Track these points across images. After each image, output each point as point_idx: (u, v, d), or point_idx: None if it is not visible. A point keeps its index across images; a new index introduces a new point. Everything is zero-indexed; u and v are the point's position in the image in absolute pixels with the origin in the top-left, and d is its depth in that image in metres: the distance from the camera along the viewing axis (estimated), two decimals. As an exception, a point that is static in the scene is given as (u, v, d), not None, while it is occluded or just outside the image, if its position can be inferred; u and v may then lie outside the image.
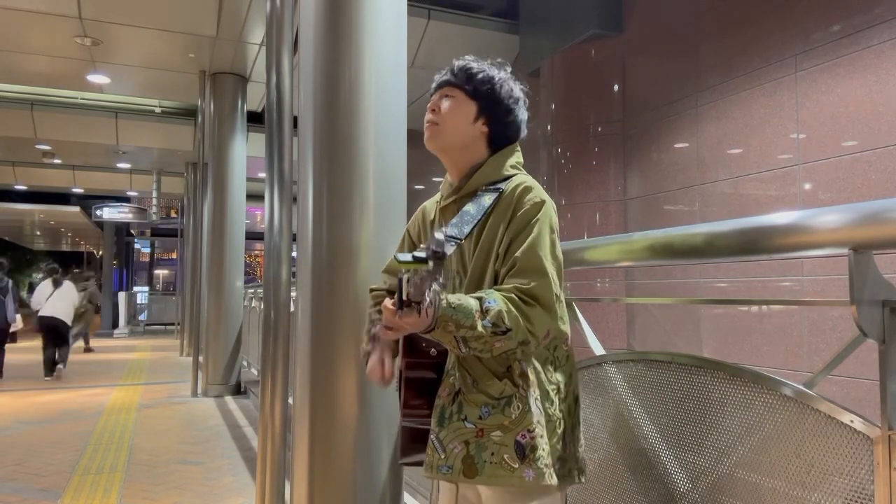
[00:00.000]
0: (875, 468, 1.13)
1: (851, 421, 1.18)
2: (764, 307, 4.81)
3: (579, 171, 6.43)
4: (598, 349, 1.91)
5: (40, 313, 8.92)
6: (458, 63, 1.53)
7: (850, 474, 1.17)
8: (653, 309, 5.83)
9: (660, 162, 5.85)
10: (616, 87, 6.28)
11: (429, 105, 1.53)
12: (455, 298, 1.26)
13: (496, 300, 1.29)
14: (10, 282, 8.68)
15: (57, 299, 9.05)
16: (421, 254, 1.15)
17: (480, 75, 1.50)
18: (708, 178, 5.33)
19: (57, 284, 9.21)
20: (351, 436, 2.27)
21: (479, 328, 1.25)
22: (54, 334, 8.88)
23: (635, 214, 6.09)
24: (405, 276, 1.15)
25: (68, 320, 9.11)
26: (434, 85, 1.55)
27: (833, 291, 4.18)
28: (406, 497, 2.55)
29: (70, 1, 6.01)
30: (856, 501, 1.16)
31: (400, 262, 1.13)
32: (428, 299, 1.17)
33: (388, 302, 1.22)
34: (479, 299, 1.29)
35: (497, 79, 1.51)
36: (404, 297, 1.15)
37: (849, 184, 4.25)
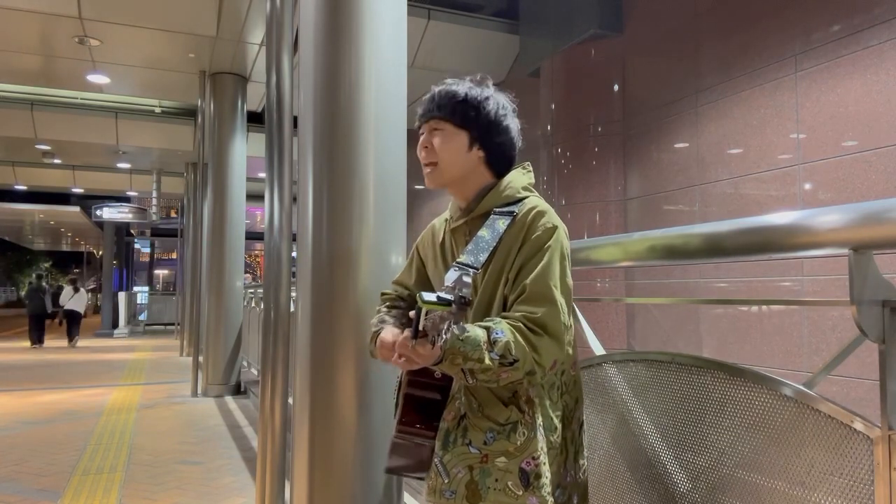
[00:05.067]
0: (875, 468, 1.13)
1: (851, 421, 1.18)
2: (764, 307, 4.81)
3: (579, 171, 6.43)
4: (598, 349, 1.91)
5: (66, 307, 14.98)
6: (437, 89, 1.48)
7: (850, 474, 1.17)
8: (653, 309, 5.83)
9: (660, 162, 5.85)
10: (616, 87, 6.28)
11: (420, 142, 1.50)
12: (463, 330, 1.25)
13: (504, 331, 1.27)
14: (47, 285, 16.18)
15: (76, 299, 15.06)
16: (446, 296, 1.16)
17: (464, 101, 1.45)
18: (708, 178, 5.32)
19: (76, 290, 15.16)
20: (351, 436, 2.27)
21: (487, 360, 1.24)
22: (74, 320, 14.88)
23: (635, 214, 6.09)
24: (424, 309, 1.15)
25: (82, 311, 15.28)
26: (419, 115, 1.51)
27: (833, 291, 4.18)
28: (406, 497, 2.55)
29: (70, 1, 6.01)
30: (856, 501, 1.16)
31: (425, 302, 1.14)
32: (444, 337, 1.17)
33: (406, 332, 1.22)
34: (487, 329, 1.27)
35: (481, 99, 1.46)
36: (420, 329, 1.16)
37: (849, 184, 4.24)
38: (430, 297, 1.14)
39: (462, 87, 1.47)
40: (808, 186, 4.53)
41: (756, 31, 4.94)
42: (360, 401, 2.27)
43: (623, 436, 1.71)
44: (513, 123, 1.51)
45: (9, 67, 8.15)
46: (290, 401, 2.53)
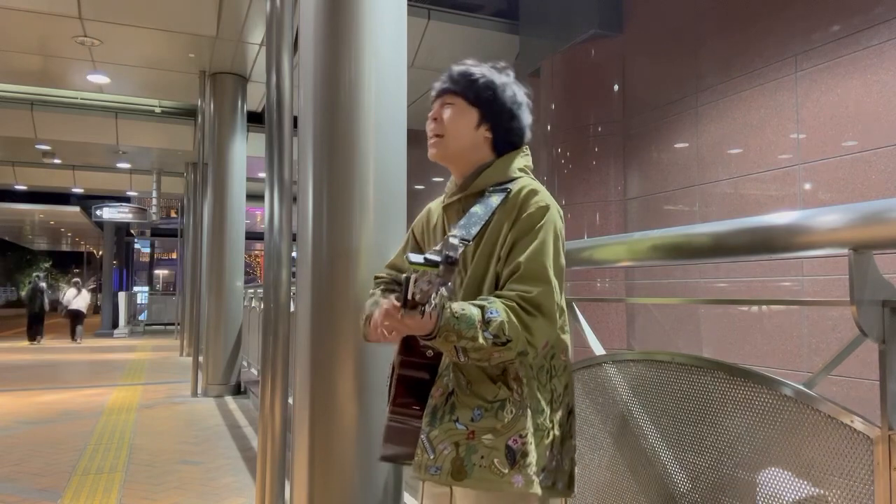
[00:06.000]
0: (875, 468, 1.13)
1: (851, 421, 1.18)
2: (764, 307, 4.81)
3: (579, 171, 6.43)
4: (599, 349, 1.91)
5: (69, 307, 15.68)
6: (457, 68, 1.50)
7: (850, 474, 1.17)
8: (653, 309, 5.83)
9: (660, 162, 5.85)
10: (616, 87, 6.28)
11: (430, 114, 1.51)
12: (458, 308, 1.24)
13: (498, 310, 1.27)
14: (46, 286, 16.86)
15: (79, 299, 15.76)
16: (433, 257, 1.14)
17: (481, 81, 1.47)
18: (708, 178, 5.32)
19: (79, 291, 15.88)
20: (351, 436, 2.27)
21: (481, 339, 1.24)
22: (76, 318, 15.69)
23: (635, 214, 6.09)
24: (413, 277, 1.14)
25: (84, 310, 15.93)
26: (434, 92, 1.52)
27: (833, 291, 4.18)
28: (406, 497, 2.55)
29: (70, 1, 6.01)
30: (856, 501, 1.16)
31: (411, 263, 1.13)
32: (434, 303, 1.16)
33: (393, 298, 1.20)
34: (482, 308, 1.27)
35: (499, 84, 1.48)
36: (409, 298, 1.14)
37: (849, 184, 4.24)
38: (417, 257, 1.13)
39: (481, 69, 1.49)
40: (808, 186, 4.53)
41: (756, 31, 4.94)
42: (360, 401, 2.27)
43: (623, 436, 1.71)
44: (525, 116, 1.52)
45: (9, 67, 8.15)
46: (290, 401, 2.53)
